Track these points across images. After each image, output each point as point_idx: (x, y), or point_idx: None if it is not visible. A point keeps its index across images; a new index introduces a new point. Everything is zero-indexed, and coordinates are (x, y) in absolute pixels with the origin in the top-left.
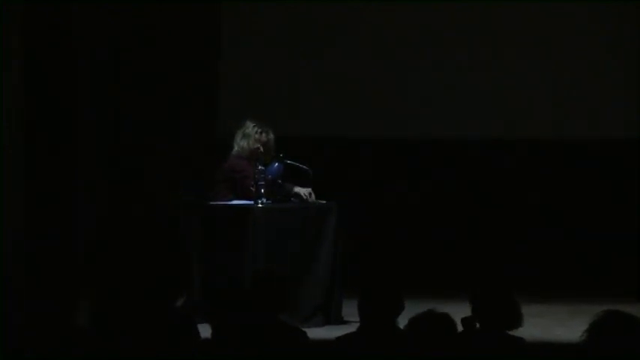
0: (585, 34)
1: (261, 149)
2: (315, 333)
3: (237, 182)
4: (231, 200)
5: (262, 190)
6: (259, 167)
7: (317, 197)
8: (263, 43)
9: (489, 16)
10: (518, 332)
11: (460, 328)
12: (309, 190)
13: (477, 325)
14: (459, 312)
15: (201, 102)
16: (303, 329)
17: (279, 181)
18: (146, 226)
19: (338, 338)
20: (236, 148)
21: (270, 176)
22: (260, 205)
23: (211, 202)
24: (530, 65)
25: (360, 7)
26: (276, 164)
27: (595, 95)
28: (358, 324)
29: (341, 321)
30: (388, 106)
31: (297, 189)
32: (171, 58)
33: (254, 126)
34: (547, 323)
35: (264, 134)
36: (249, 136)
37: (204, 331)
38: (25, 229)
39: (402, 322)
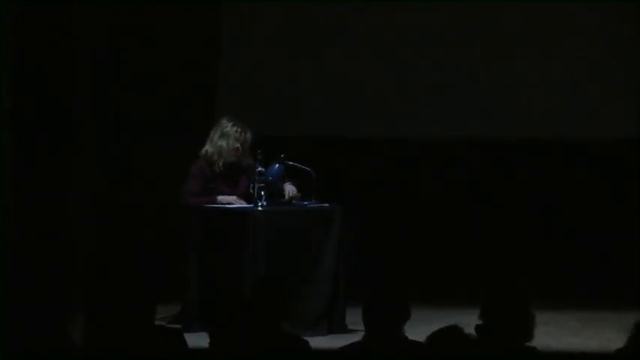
0: (585, 34)
1: (240, 149)
2: (318, 342)
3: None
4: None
5: (262, 192)
6: (259, 169)
7: (317, 198)
8: (263, 43)
9: (489, 16)
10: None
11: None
12: (294, 188)
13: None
14: (460, 315)
15: (201, 102)
16: (306, 338)
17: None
18: (146, 226)
19: (342, 348)
20: (208, 147)
21: (270, 177)
22: (260, 208)
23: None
24: (530, 65)
25: (360, 7)
26: (277, 165)
27: (595, 95)
28: (363, 333)
29: (345, 329)
30: (388, 106)
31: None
32: (171, 58)
33: (233, 125)
34: (557, 332)
35: (243, 133)
36: (228, 135)
37: (202, 340)
38: (25, 229)
39: (408, 330)
